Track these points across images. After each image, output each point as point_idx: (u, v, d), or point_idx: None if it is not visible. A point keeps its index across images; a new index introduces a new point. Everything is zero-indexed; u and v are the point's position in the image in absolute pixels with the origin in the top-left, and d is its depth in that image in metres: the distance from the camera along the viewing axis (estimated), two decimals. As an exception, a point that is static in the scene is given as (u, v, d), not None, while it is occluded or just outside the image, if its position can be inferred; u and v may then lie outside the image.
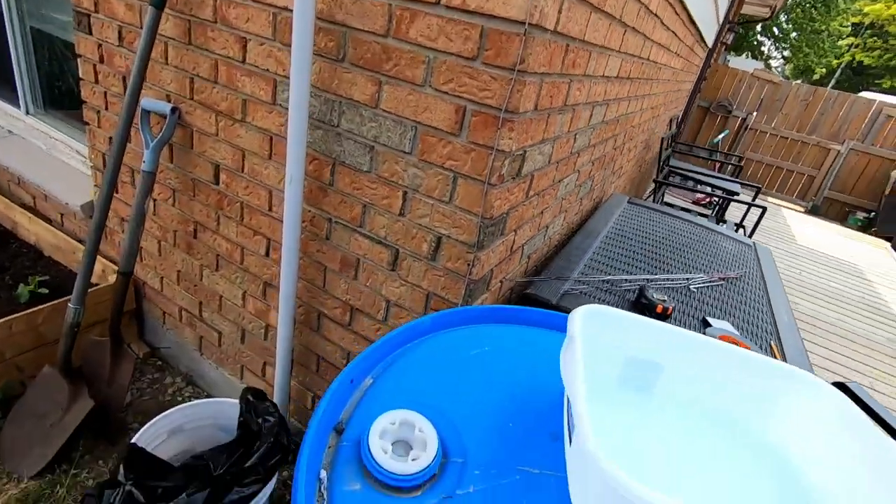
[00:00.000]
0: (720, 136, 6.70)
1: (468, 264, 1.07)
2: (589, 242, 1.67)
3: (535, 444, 0.56)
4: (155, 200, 1.63)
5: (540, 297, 1.23)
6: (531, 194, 1.23)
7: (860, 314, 3.49)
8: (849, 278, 4.21)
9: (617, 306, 1.31)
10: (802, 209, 7.09)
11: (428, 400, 0.59)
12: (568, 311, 1.22)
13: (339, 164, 1.17)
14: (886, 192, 6.25)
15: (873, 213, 6.49)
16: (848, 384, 1.19)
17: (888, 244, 5.84)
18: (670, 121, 4.47)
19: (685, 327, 1.29)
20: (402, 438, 0.54)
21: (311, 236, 1.29)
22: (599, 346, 0.63)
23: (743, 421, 0.63)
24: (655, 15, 1.75)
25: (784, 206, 6.97)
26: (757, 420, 0.63)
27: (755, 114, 7.17)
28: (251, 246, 1.43)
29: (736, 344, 1.12)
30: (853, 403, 0.59)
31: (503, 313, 0.76)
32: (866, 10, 17.91)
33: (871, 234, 6.27)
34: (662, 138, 3.64)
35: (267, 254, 1.41)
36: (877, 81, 19.75)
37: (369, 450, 0.51)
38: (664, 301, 1.27)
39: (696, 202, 5.52)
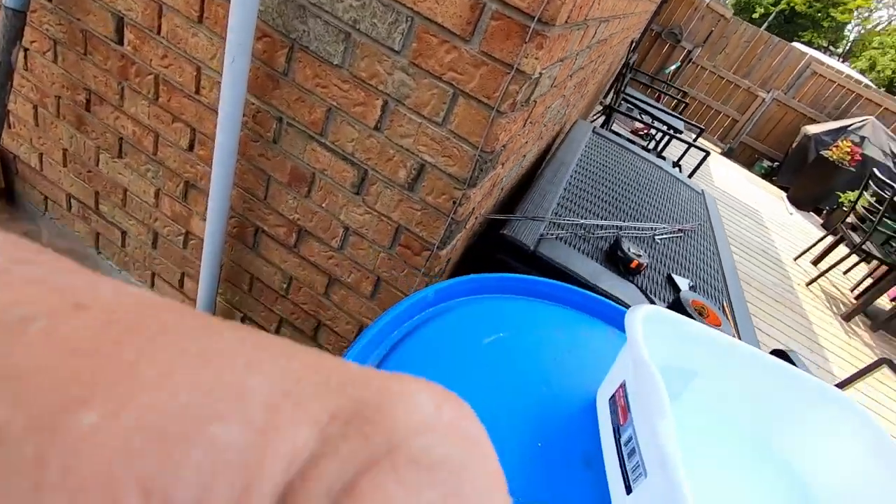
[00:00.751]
0: (672, 67, 6.65)
1: (454, 202, 0.91)
2: (560, 176, 1.55)
3: (566, 474, 0.47)
4: (27, 50, 1.21)
5: (517, 241, 1.12)
6: (527, 123, 1.06)
7: (756, 259, 3.87)
8: (750, 223, 4.61)
9: (591, 255, 1.25)
10: (719, 150, 7.51)
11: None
12: (545, 262, 1.13)
13: (300, 49, 0.90)
14: (793, 145, 6.75)
15: (777, 163, 7.04)
16: (787, 352, 1.26)
17: (784, 194, 6.44)
18: (631, 43, 4.29)
19: (653, 283, 1.27)
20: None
21: (253, 136, 1.03)
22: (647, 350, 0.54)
23: (767, 436, 0.59)
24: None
25: (706, 145, 7.32)
26: (781, 436, 0.59)
27: (700, 48, 7.16)
28: (169, 134, 1.13)
29: (705, 309, 1.11)
30: (882, 429, 0.55)
31: (516, 284, 0.64)
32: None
33: (772, 182, 6.85)
34: (625, 63, 3.48)
35: (191, 147, 1.12)
36: (801, 33, 20.64)
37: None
38: (639, 256, 1.21)
39: (634, 131, 5.57)
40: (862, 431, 0.57)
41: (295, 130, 0.98)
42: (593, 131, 2.16)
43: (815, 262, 4.17)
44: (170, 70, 1.04)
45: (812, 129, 6.47)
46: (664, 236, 1.50)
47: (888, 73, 17.42)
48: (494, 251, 1.15)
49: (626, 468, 0.43)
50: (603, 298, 0.67)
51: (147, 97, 1.10)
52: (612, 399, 0.49)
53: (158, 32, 1.01)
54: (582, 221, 1.33)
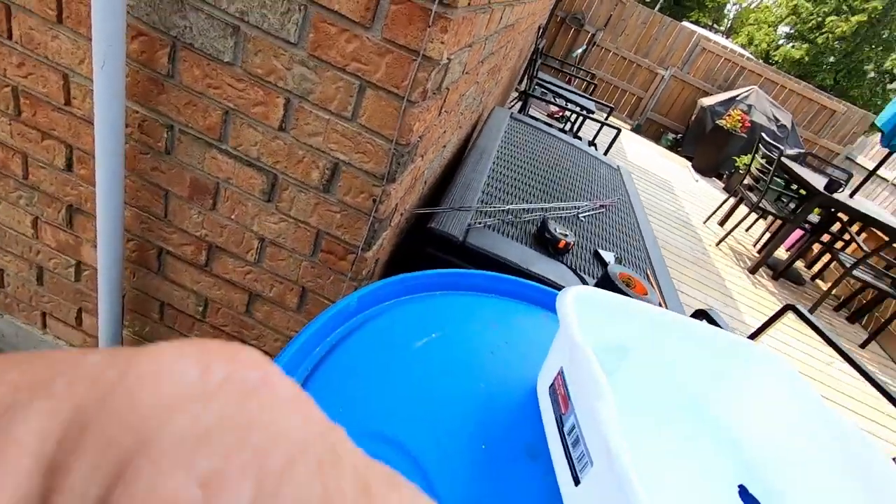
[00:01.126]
0: (579, 51, 6.92)
1: (374, 200, 0.87)
2: (483, 164, 1.55)
3: (512, 470, 0.45)
4: None
5: (445, 233, 1.09)
6: (442, 112, 1.03)
7: (671, 225, 4.13)
8: (663, 193, 4.92)
9: (520, 239, 1.25)
10: (629, 127, 7.94)
11: (369, 426, 0.43)
12: (475, 251, 1.12)
13: (184, 47, 0.81)
14: (692, 117, 7.29)
15: (680, 135, 7.58)
16: (709, 311, 1.33)
17: (689, 163, 6.94)
18: (538, 28, 4.40)
19: (582, 260, 1.29)
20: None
21: (142, 148, 0.92)
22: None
23: (702, 399, 0.60)
24: None
25: (616, 123, 7.72)
26: (715, 399, 0.60)
27: (602, 32, 7.51)
28: (40, 154, 0.99)
29: (631, 280, 1.15)
30: (800, 377, 0.58)
31: (444, 280, 0.61)
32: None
33: (677, 153, 7.37)
34: (534, 48, 3.55)
35: (69, 167, 0.99)
36: (688, 14, 22.39)
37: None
38: (566, 235, 1.23)
39: (550, 115, 5.75)
40: (783, 382, 0.59)
41: (190, 138, 0.89)
42: (511, 117, 2.18)
43: (722, 223, 4.53)
44: (30, 80, 0.91)
45: (706, 101, 7.01)
46: (587, 213, 1.54)
47: (763, 46, 19.29)
48: (423, 246, 1.11)
49: (571, 458, 0.41)
50: (535, 283, 0.66)
51: (7, 113, 0.95)
52: (552, 388, 0.47)
53: (9, 37, 0.88)
54: (508, 207, 1.33)
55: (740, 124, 6.24)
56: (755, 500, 0.52)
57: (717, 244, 4.12)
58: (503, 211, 1.30)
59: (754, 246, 4.50)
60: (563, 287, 0.50)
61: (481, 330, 0.57)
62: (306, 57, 0.77)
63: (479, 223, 1.19)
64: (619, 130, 3.12)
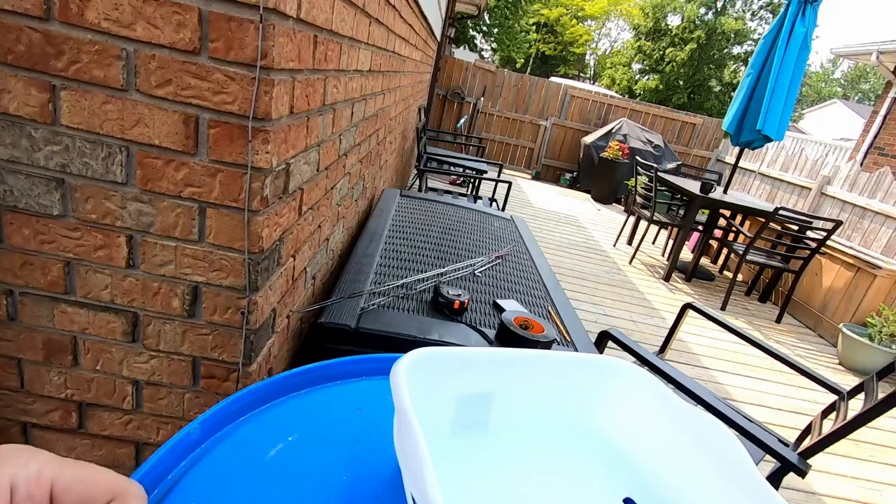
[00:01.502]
0: (461, 121, 7.46)
1: (242, 313, 0.85)
2: (374, 246, 1.58)
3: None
4: None
5: (336, 324, 1.09)
6: (304, 210, 1.06)
7: (585, 255, 4.37)
8: (572, 228, 5.23)
9: (416, 311, 1.26)
10: (529, 176, 8.52)
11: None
12: (370, 334, 1.11)
13: (8, 211, 0.79)
14: (581, 155, 7.99)
15: (575, 173, 8.23)
16: (610, 331, 1.40)
17: (589, 195, 7.50)
18: (419, 110, 4.72)
19: (481, 314, 1.32)
20: None
21: (-18, 320, 0.86)
22: (426, 394, 0.53)
23: (575, 421, 0.62)
24: (394, 7, 1.73)
25: (517, 175, 8.24)
26: (587, 417, 0.62)
27: (482, 99, 8.22)
28: None
29: (527, 322, 1.19)
30: (653, 377, 0.62)
31: (300, 379, 0.60)
32: (542, 12, 22.60)
33: (576, 189, 7.95)
34: (416, 128, 3.80)
35: None
36: (556, 69, 25.23)
37: None
38: (459, 295, 1.26)
39: (452, 182, 6.05)
40: (646, 390, 0.63)
41: (33, 299, 0.84)
42: (400, 195, 2.28)
43: (629, 242, 4.86)
44: None
45: (588, 139, 7.73)
46: (483, 268, 1.60)
47: (624, 83, 22.01)
48: (319, 342, 1.10)
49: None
50: (395, 355, 0.67)
51: None
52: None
53: None
54: (401, 282, 1.35)
55: (620, 152, 6.90)
56: (639, 511, 0.53)
57: (630, 262, 4.39)
58: (397, 287, 1.32)
59: (663, 255, 4.84)
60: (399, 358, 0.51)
61: (344, 419, 0.56)
62: (139, 192, 0.78)
63: (373, 305, 1.20)
64: (509, 183, 3.34)
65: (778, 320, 3.73)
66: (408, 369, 0.48)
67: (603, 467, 0.60)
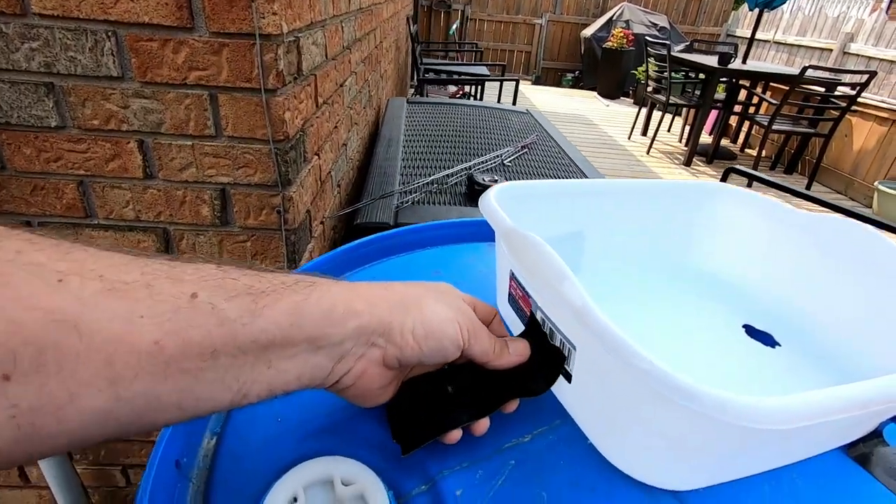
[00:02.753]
0: (453, 28, 6.97)
1: (278, 211, 0.78)
2: (394, 151, 1.48)
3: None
4: None
5: (373, 223, 1.02)
6: (321, 103, 0.96)
7: (601, 152, 4.20)
8: (582, 127, 5.01)
9: (453, 202, 1.19)
10: (529, 82, 8.09)
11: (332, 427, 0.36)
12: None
13: (2, 129, 0.70)
14: (582, 51, 7.50)
15: (578, 72, 7.78)
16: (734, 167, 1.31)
17: (594, 93, 7.13)
18: (407, 19, 4.39)
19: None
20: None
21: None
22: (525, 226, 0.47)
23: (677, 253, 0.56)
24: None
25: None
26: (690, 249, 0.56)
27: (469, 5, 7.62)
28: None
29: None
30: (760, 194, 0.55)
31: (367, 249, 0.53)
32: None
33: (581, 88, 7.56)
34: (410, 35, 3.53)
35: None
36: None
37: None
38: (496, 180, 1.18)
39: (452, 95, 5.76)
40: (747, 208, 0.56)
41: (54, 227, 0.78)
42: (408, 102, 2.13)
43: (644, 133, 4.65)
44: None
45: (588, 32, 7.22)
46: (512, 157, 1.50)
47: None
48: (359, 246, 1.04)
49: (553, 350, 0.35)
50: (465, 220, 0.60)
51: None
52: (511, 297, 0.41)
53: None
54: (431, 178, 1.27)
55: (625, 40, 6.45)
56: (765, 333, 0.48)
57: (648, 152, 4.23)
58: (428, 183, 1.24)
59: (680, 141, 4.64)
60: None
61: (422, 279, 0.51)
62: (139, 87, 0.69)
63: (406, 202, 1.13)
64: (517, 80, 3.14)
65: (808, 188, 3.62)
66: (496, 197, 0.42)
67: (713, 299, 0.54)
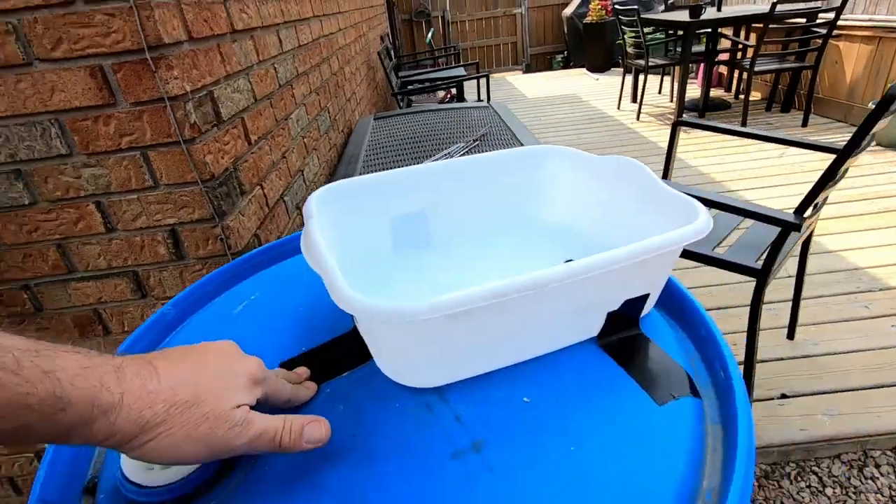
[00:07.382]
0: (429, 36, 7.12)
1: (221, 239, 0.92)
2: (352, 167, 1.61)
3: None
4: None
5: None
6: (254, 139, 1.09)
7: (594, 126, 4.22)
8: (575, 105, 5.02)
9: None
10: (520, 71, 8.12)
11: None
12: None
13: (-12, 213, 0.86)
14: (566, 32, 7.49)
15: (565, 52, 7.77)
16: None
17: (583, 69, 7.11)
18: (381, 38, 4.54)
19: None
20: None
21: (14, 320, 0.97)
22: (359, 219, 0.58)
23: (516, 213, 0.65)
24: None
25: (507, 75, 7.89)
26: (525, 205, 0.65)
27: (447, 10, 7.75)
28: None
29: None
30: (579, 151, 0.63)
31: (261, 258, 0.65)
32: None
33: (571, 67, 7.54)
34: (378, 52, 3.68)
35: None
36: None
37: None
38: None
39: (441, 101, 5.88)
40: (567, 162, 0.64)
41: (47, 286, 0.94)
42: (374, 118, 2.26)
43: (633, 100, 4.63)
44: None
45: (568, 10, 7.22)
46: (461, 152, 1.60)
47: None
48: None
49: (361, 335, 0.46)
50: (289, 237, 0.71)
51: None
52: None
53: None
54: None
55: (603, 11, 6.42)
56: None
57: (637, 118, 4.21)
58: (378, 191, 1.35)
59: (672, 101, 4.59)
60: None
61: (303, 272, 0.62)
62: (86, 158, 0.83)
63: (355, 211, 1.24)
64: (486, 75, 3.23)
65: (804, 123, 3.53)
66: (317, 199, 0.52)
67: (549, 242, 0.63)
